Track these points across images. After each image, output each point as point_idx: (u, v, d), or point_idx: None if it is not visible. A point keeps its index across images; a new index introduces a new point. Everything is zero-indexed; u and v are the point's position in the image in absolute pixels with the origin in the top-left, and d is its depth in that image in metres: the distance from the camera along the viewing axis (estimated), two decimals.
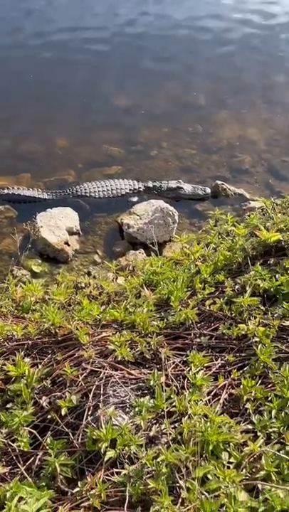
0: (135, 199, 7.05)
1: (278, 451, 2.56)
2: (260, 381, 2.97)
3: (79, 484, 2.59)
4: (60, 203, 6.92)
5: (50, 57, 10.00)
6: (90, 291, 3.94)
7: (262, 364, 3.03)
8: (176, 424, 2.74)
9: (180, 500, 2.40)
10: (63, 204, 6.86)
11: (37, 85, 9.16)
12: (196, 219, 6.86)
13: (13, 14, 11.34)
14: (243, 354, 3.17)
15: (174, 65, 9.87)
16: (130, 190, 7.11)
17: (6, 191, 7.01)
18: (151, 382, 2.96)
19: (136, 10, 11.62)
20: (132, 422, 2.77)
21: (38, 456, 2.78)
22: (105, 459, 2.62)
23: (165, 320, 3.43)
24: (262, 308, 3.40)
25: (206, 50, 10.36)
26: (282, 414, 2.74)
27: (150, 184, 7.20)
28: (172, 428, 2.72)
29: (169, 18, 11.38)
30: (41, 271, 6.08)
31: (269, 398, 2.84)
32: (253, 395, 2.88)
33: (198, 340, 3.29)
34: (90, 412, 2.88)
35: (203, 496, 2.38)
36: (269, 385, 2.94)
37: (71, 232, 6.47)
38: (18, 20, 11.06)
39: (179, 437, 2.66)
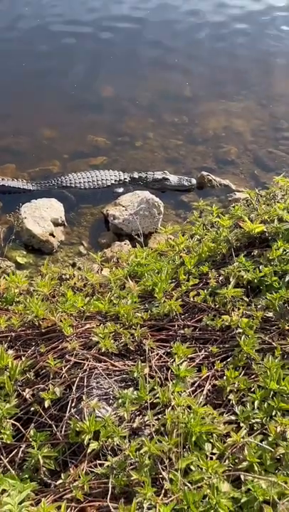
0: (121, 190, 7.01)
1: (261, 441, 2.58)
2: (243, 372, 2.99)
3: (62, 476, 2.59)
4: (45, 193, 6.85)
5: (35, 47, 9.88)
6: (75, 283, 3.93)
7: (245, 355, 3.04)
8: (160, 416, 2.74)
9: (163, 491, 2.42)
10: (48, 195, 6.80)
11: (22, 75, 9.06)
12: (182, 210, 6.84)
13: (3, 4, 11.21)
14: (227, 345, 3.18)
15: (161, 56, 9.80)
16: (116, 181, 7.07)
17: None
18: (135, 374, 2.96)
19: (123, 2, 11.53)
20: (115, 414, 2.78)
21: (21, 449, 2.78)
22: (88, 450, 2.63)
23: (149, 311, 3.43)
24: (245, 299, 3.41)
25: (194, 41, 10.30)
26: (265, 405, 2.76)
27: (136, 175, 7.17)
28: (155, 419, 2.72)
29: (158, 10, 11.29)
30: (26, 262, 6.03)
31: (252, 389, 2.86)
32: (236, 386, 2.89)
33: (182, 331, 3.29)
34: (73, 404, 2.88)
35: (186, 487, 2.39)
36: (252, 376, 2.96)
37: (56, 224, 6.42)
38: (7, 10, 10.92)
39: (162, 429, 2.67)
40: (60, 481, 2.57)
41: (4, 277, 3.97)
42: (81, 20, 10.79)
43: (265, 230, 3.83)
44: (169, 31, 10.58)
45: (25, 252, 6.15)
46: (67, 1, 11.53)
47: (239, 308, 3.33)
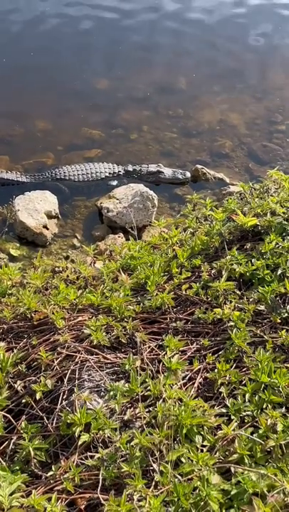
0: (115, 183, 7.00)
1: (251, 434, 2.59)
2: (234, 365, 3.00)
3: (53, 468, 2.60)
4: (39, 186, 6.83)
5: (30, 39, 9.82)
6: (68, 276, 3.92)
7: (236, 348, 3.06)
8: (151, 408, 2.75)
9: (153, 483, 2.43)
10: (42, 187, 6.77)
11: (16, 67, 9.01)
12: (176, 203, 6.83)
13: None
14: (218, 338, 3.19)
15: (156, 48, 9.76)
16: (110, 173, 7.05)
17: None
18: (127, 367, 2.96)
19: None
20: (106, 406, 2.78)
21: (13, 440, 2.78)
22: (79, 442, 2.63)
23: (141, 304, 3.44)
24: (238, 292, 3.42)
25: (189, 34, 10.25)
26: (256, 397, 2.77)
27: (130, 168, 7.15)
28: (147, 412, 2.73)
29: (153, 2, 11.24)
30: (19, 255, 6.02)
31: (243, 382, 2.87)
32: (227, 378, 2.90)
33: (174, 324, 3.30)
34: (64, 397, 2.89)
35: (176, 479, 2.40)
36: (243, 369, 2.97)
37: (50, 216, 6.41)
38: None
39: (153, 421, 2.68)
40: (50, 473, 2.58)
41: None
42: (72, 12, 10.71)
43: (258, 223, 3.83)
44: (163, 23, 10.53)
45: (18, 245, 6.14)
46: None
47: (231, 302, 3.33)
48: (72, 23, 10.34)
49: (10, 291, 3.78)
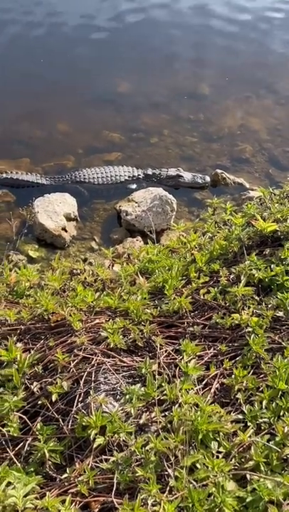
0: (134, 186, 7.01)
1: (268, 441, 2.56)
2: (251, 371, 2.97)
3: (67, 470, 2.59)
4: (59, 188, 6.88)
5: (52, 41, 9.90)
6: (85, 278, 3.92)
7: (254, 354, 3.03)
8: (167, 413, 2.73)
9: (168, 488, 2.41)
10: (62, 190, 6.81)
11: (39, 70, 9.09)
12: (195, 207, 6.83)
13: (22, 2, 11.19)
14: (236, 344, 3.16)
15: (178, 52, 9.77)
16: (129, 177, 7.06)
17: (4, 175, 6.97)
18: (143, 370, 2.95)
19: None
20: (122, 410, 2.77)
21: (28, 442, 2.78)
22: (94, 445, 2.62)
23: (159, 308, 3.42)
24: (256, 298, 3.39)
25: (211, 39, 10.25)
26: (273, 404, 2.73)
27: (150, 171, 7.16)
28: (162, 416, 2.71)
29: (174, 6, 11.26)
30: (38, 256, 6.05)
31: (260, 388, 2.85)
32: (244, 385, 2.87)
33: (191, 329, 3.28)
34: (80, 399, 2.88)
35: (191, 485, 2.38)
36: (261, 376, 2.94)
37: (69, 218, 6.43)
38: (27, 7, 10.95)
39: (168, 426, 2.66)
40: (65, 475, 2.57)
41: (15, 271, 3.97)
42: (96, 16, 10.76)
43: (277, 228, 3.81)
44: (187, 28, 10.54)
45: (37, 246, 6.18)
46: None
47: (249, 307, 3.31)
48: (94, 26, 10.39)
49: (28, 293, 3.79)
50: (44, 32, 10.17)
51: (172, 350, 3.15)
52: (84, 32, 10.23)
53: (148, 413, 2.76)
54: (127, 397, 2.81)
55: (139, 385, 2.88)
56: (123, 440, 2.62)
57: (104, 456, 2.61)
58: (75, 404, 2.85)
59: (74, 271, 4.29)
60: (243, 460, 2.53)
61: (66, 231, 6.30)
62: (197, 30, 10.53)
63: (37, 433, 2.77)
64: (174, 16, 10.91)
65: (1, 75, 8.96)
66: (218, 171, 7.17)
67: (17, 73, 8.97)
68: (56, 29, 10.27)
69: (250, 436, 2.59)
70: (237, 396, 2.84)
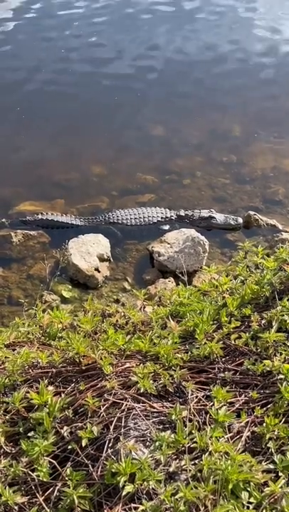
0: (167, 227, 7.08)
1: None
2: (283, 419, 2.92)
3: None
4: (93, 229, 6.99)
5: (87, 85, 10.20)
6: (117, 320, 3.95)
7: (286, 402, 2.98)
8: (197, 461, 2.70)
9: None
10: (95, 230, 6.93)
11: (73, 113, 9.34)
12: (227, 249, 6.85)
13: (58, 43, 11.64)
14: (268, 391, 3.12)
15: (211, 95, 9.95)
16: (162, 218, 7.14)
17: (40, 217, 7.14)
18: (173, 417, 2.92)
19: (174, 37, 11.78)
20: (151, 457, 2.74)
21: (57, 487, 2.77)
22: (124, 493, 2.60)
23: (189, 353, 3.41)
24: (288, 344, 3.35)
25: (243, 79, 10.41)
26: None
27: (182, 213, 7.23)
28: (192, 464, 2.68)
29: (206, 47, 11.51)
30: (71, 296, 6.13)
31: None
32: (275, 433, 2.82)
33: (222, 374, 3.25)
34: (110, 445, 2.86)
35: None
36: None
37: (102, 259, 6.51)
38: (64, 48, 11.39)
39: (198, 474, 2.62)
40: None
41: (48, 312, 4.03)
42: (131, 59, 11.07)
43: None
44: (218, 71, 10.73)
45: (70, 286, 6.26)
46: (114, 40, 11.88)
47: (281, 354, 3.27)
48: (130, 69, 10.67)
49: (60, 334, 3.83)
50: (77, 75, 10.51)
51: (203, 397, 3.12)
52: (118, 75, 10.51)
53: (178, 461, 2.73)
54: (157, 444, 2.79)
55: (169, 431, 2.86)
56: (152, 488, 2.59)
57: (133, 504, 2.58)
58: (105, 450, 2.84)
59: (106, 312, 4.32)
60: (274, 511, 2.47)
61: (99, 271, 6.37)
62: (229, 70, 10.76)
63: (66, 478, 2.77)
64: (206, 57, 11.14)
65: (39, 120, 9.22)
66: (251, 212, 7.19)
67: (55, 118, 9.23)
68: (89, 71, 10.60)
69: (281, 487, 2.53)
70: (268, 445, 2.79)
